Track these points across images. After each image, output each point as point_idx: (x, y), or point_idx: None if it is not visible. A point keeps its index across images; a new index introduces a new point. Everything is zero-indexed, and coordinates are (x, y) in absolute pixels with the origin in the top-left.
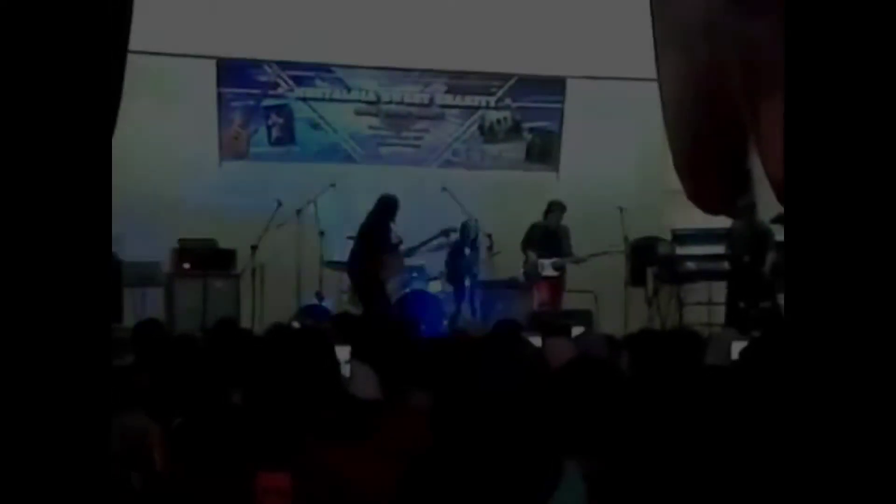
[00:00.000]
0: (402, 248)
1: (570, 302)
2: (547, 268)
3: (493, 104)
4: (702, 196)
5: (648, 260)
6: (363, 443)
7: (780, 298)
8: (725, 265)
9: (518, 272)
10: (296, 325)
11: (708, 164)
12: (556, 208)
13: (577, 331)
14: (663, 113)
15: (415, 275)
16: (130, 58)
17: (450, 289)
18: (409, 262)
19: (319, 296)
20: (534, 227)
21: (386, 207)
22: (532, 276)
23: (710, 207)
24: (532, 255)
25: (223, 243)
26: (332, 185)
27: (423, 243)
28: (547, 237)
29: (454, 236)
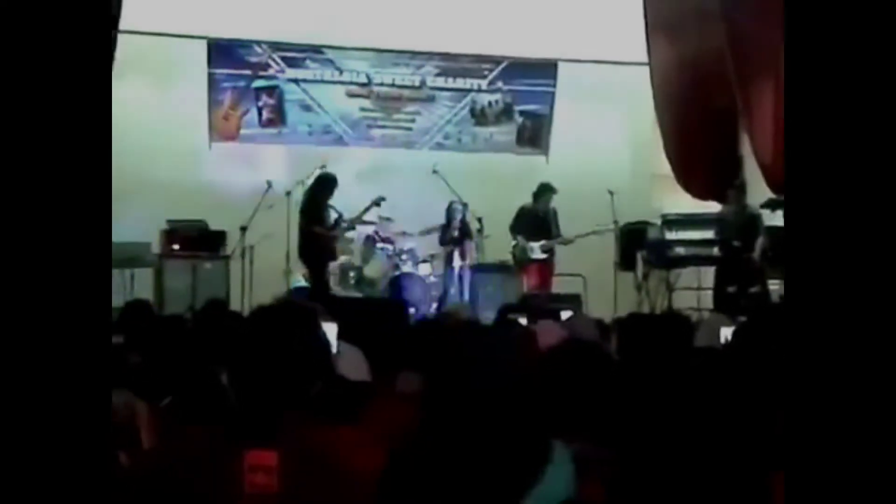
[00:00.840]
0: (344, 223)
1: (559, 286)
2: (536, 251)
3: (484, 87)
4: (692, 181)
5: (638, 244)
6: (352, 423)
7: (770, 284)
8: (715, 250)
9: (508, 255)
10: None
11: (698, 150)
12: (546, 191)
13: (566, 314)
14: (654, 98)
15: (405, 257)
16: (121, 38)
17: (440, 271)
18: (402, 244)
19: (308, 277)
20: (522, 211)
21: (321, 185)
22: (521, 259)
23: (700, 192)
24: (521, 239)
25: (213, 224)
26: (323, 167)
27: (360, 215)
28: (536, 220)
29: (384, 204)
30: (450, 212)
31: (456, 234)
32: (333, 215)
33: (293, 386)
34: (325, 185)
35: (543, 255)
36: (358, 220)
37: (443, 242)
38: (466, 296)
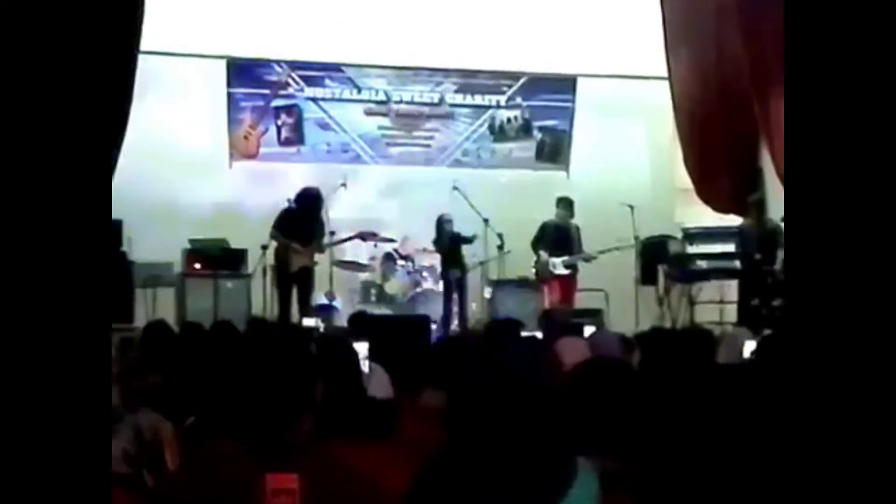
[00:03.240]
0: (326, 241)
1: (581, 301)
2: (558, 266)
3: (503, 103)
4: (712, 194)
5: (659, 258)
6: (379, 441)
7: None
8: (736, 264)
9: (529, 271)
10: (310, 322)
11: (718, 162)
12: (563, 204)
13: (589, 330)
14: (674, 111)
15: (425, 274)
16: (141, 58)
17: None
18: (421, 261)
19: (330, 295)
20: (545, 226)
21: (298, 202)
22: (544, 274)
23: (720, 206)
24: (543, 255)
25: (234, 243)
26: (343, 185)
27: (336, 242)
28: (558, 236)
29: (372, 239)
30: (438, 225)
31: (445, 245)
32: (312, 230)
33: (320, 406)
34: (302, 200)
35: (566, 271)
36: (335, 244)
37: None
38: (476, 310)
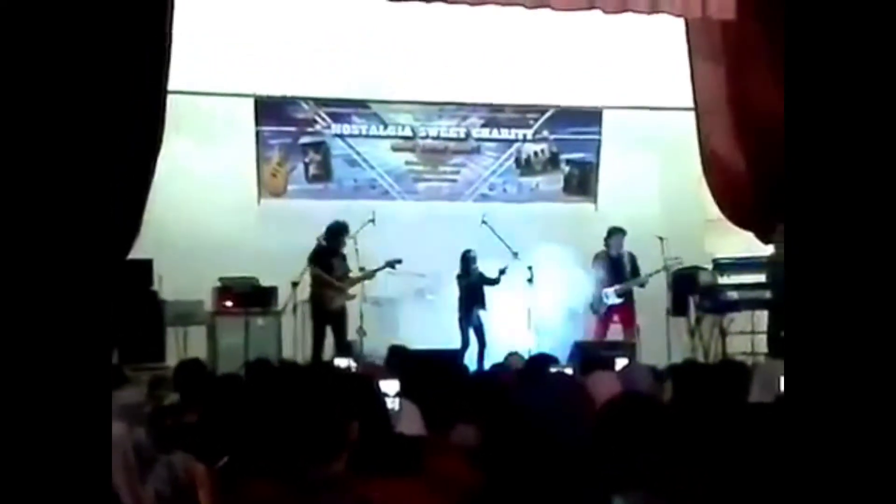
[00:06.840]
0: (353, 275)
1: (612, 333)
2: (611, 296)
3: (529, 137)
4: (743, 222)
5: (690, 289)
6: (411, 478)
7: None
8: (767, 294)
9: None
10: (342, 362)
11: (745, 183)
12: (615, 233)
13: (621, 362)
14: (699, 144)
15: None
16: (170, 98)
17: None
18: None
19: (361, 331)
20: (597, 258)
21: (328, 234)
22: (599, 309)
23: (751, 229)
24: (595, 289)
25: (264, 281)
26: (371, 221)
27: (368, 275)
28: (609, 266)
29: (399, 267)
30: (463, 261)
31: (470, 281)
32: (342, 267)
33: (353, 444)
34: (332, 234)
35: (619, 300)
36: (368, 277)
37: (461, 291)
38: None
